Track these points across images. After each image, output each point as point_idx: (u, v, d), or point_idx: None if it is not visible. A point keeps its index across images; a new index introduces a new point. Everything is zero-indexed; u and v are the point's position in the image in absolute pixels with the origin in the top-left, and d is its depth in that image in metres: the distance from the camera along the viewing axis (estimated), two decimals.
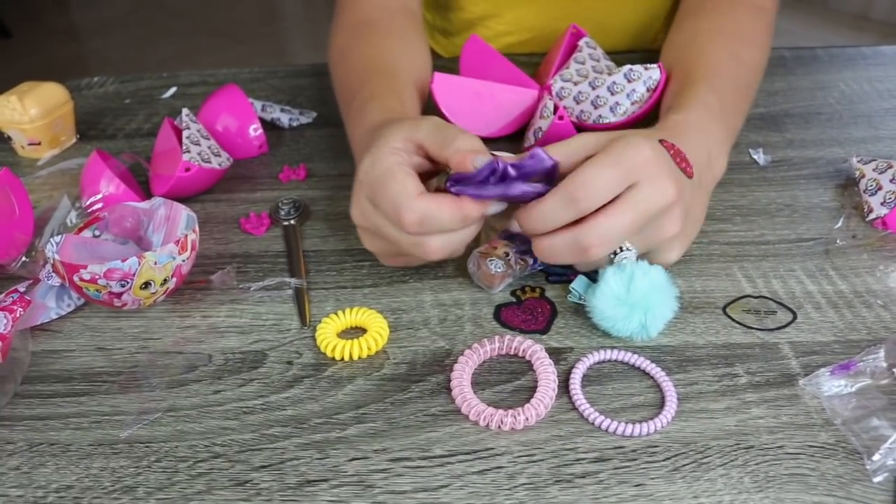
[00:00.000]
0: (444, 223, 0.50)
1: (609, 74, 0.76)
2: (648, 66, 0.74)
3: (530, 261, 0.58)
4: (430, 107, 0.78)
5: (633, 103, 0.74)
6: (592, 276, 0.55)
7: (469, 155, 0.51)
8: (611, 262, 0.53)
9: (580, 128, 0.74)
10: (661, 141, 0.53)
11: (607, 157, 0.50)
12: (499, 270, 0.57)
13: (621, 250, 0.52)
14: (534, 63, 0.90)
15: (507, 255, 0.58)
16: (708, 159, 0.60)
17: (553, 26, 0.90)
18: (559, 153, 0.52)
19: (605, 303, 0.52)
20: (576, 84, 0.77)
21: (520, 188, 0.50)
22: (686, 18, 0.80)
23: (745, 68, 0.72)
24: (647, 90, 0.74)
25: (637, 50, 0.98)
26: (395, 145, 0.54)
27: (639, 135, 0.52)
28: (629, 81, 0.74)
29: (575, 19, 0.85)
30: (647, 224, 0.51)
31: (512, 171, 0.50)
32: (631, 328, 0.52)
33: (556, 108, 0.71)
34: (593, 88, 0.76)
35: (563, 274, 0.60)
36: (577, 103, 0.76)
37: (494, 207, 0.52)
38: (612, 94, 0.75)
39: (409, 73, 0.74)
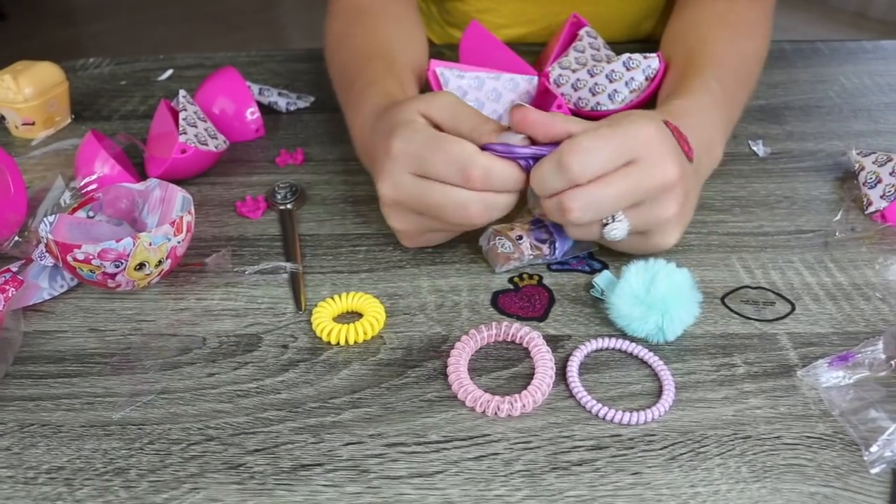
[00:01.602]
0: (507, 179, 0.51)
1: (608, 62, 0.75)
2: (647, 55, 0.74)
3: (546, 250, 0.58)
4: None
5: (631, 91, 0.74)
6: (616, 272, 0.54)
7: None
8: (601, 231, 0.53)
9: (577, 115, 0.73)
10: (665, 121, 0.53)
11: (607, 129, 0.50)
12: (504, 250, 0.57)
13: (613, 220, 0.52)
14: (534, 52, 0.89)
15: (521, 238, 0.57)
16: (708, 145, 0.59)
17: (553, 20, 0.90)
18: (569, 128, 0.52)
19: (623, 300, 0.51)
20: (574, 72, 0.76)
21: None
22: (685, 6, 0.80)
23: (746, 60, 0.72)
24: (646, 79, 0.74)
25: (636, 40, 0.98)
26: (415, 118, 0.54)
27: (643, 114, 0.52)
28: (628, 70, 0.74)
29: (574, 11, 0.84)
30: (644, 201, 0.51)
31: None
32: (647, 329, 0.51)
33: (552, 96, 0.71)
34: (592, 76, 0.75)
35: (565, 263, 0.59)
36: (575, 90, 0.76)
37: None
38: (611, 81, 0.74)
39: (406, 57, 0.74)
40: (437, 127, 0.55)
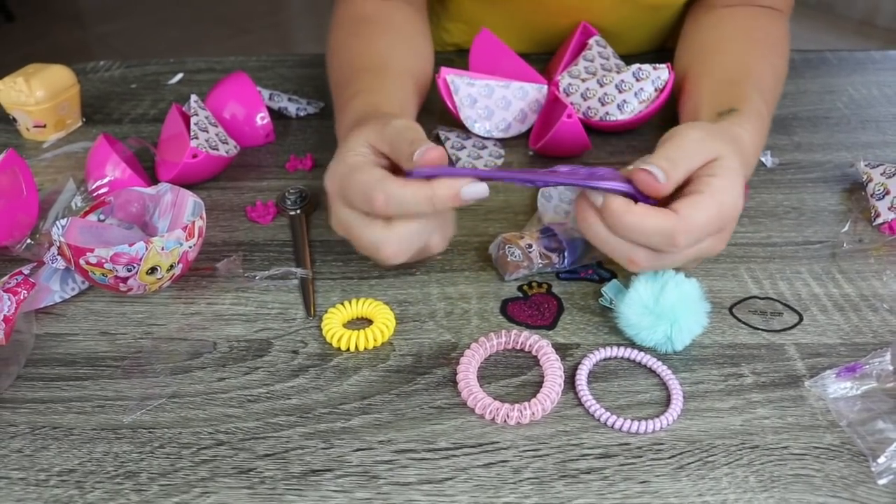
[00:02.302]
0: (410, 203, 0.49)
1: (618, 72, 0.75)
2: (657, 66, 0.74)
3: (555, 259, 0.58)
4: (435, 101, 0.78)
5: (640, 102, 0.74)
6: (625, 281, 0.54)
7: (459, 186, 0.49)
8: None
9: (587, 125, 0.74)
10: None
11: (713, 208, 0.48)
12: (513, 259, 0.57)
13: None
14: (543, 60, 0.90)
15: (530, 246, 0.58)
16: (750, 171, 0.61)
17: (559, 42, 0.89)
18: (678, 177, 0.49)
19: (631, 309, 0.51)
20: (584, 81, 0.77)
21: (519, 177, 0.50)
22: (703, 19, 0.80)
23: (778, 80, 0.73)
24: (656, 90, 0.74)
25: (648, 52, 0.98)
26: (359, 150, 0.53)
27: (738, 174, 0.50)
28: (637, 80, 0.74)
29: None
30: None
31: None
32: (655, 338, 0.51)
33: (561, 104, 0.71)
34: (601, 86, 0.76)
35: (574, 272, 0.60)
36: (585, 100, 0.76)
37: (472, 190, 0.48)
38: (620, 92, 0.75)
39: (401, 67, 0.73)
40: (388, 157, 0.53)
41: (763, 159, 0.74)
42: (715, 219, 0.48)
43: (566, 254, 0.58)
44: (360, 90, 0.67)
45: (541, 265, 0.58)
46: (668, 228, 0.47)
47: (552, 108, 0.77)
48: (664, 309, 0.50)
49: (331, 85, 0.76)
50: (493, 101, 0.77)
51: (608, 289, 0.55)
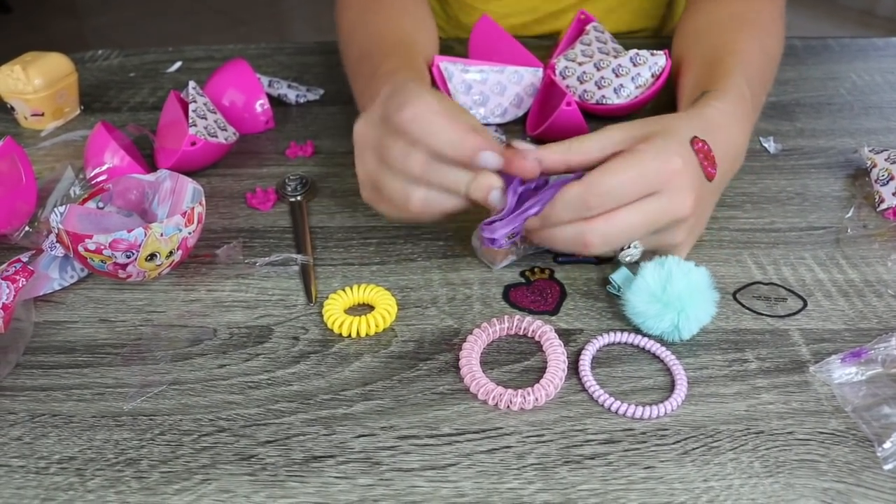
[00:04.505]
0: (436, 134, 0.49)
1: (615, 57, 0.75)
2: (655, 52, 0.74)
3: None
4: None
5: (637, 87, 0.74)
6: (633, 269, 0.54)
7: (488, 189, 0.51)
8: (615, 254, 0.54)
9: (583, 108, 0.73)
10: (693, 139, 0.52)
11: (632, 166, 0.49)
12: (501, 246, 0.57)
13: (628, 247, 0.53)
14: (544, 46, 0.89)
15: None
16: (736, 154, 0.59)
17: (555, 7, 0.89)
18: (588, 149, 0.51)
19: (638, 297, 0.51)
20: (580, 64, 0.76)
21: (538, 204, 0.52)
22: (700, 4, 0.79)
23: (769, 60, 0.72)
24: (652, 76, 0.74)
25: (646, 29, 0.97)
26: (422, 86, 0.53)
27: (673, 137, 0.51)
28: (635, 65, 0.74)
29: None
30: (655, 231, 0.51)
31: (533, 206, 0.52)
32: (662, 327, 0.51)
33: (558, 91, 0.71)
34: (598, 69, 0.75)
35: (571, 255, 0.59)
36: (581, 83, 0.76)
37: (487, 157, 0.50)
38: (617, 76, 0.74)
39: (422, 48, 0.74)
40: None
41: (766, 145, 0.74)
42: (637, 182, 0.49)
43: None
44: (400, 66, 0.66)
45: (523, 249, 0.58)
46: (578, 193, 0.49)
47: (549, 91, 0.77)
48: (671, 297, 0.50)
49: (351, 60, 0.75)
50: (488, 87, 0.77)
51: (616, 276, 0.55)
